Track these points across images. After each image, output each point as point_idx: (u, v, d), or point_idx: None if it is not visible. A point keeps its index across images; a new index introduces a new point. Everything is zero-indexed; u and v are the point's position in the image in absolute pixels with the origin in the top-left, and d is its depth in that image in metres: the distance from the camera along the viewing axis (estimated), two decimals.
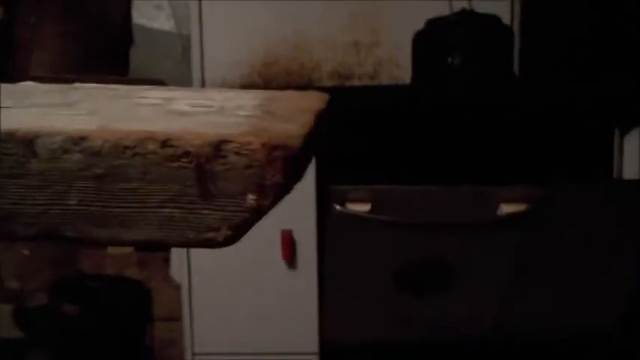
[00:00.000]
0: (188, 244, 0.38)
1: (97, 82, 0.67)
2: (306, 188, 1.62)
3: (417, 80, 1.66)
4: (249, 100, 0.53)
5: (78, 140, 0.38)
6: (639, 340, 1.56)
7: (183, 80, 1.89)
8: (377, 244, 1.45)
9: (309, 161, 0.43)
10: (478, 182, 1.48)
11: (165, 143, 0.38)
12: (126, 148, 0.37)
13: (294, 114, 0.46)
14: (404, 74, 1.75)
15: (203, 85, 1.74)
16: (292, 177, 0.39)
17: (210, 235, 0.38)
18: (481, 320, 1.56)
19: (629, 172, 1.60)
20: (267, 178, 0.38)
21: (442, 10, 1.66)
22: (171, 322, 2.01)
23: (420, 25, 1.61)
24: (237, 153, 0.37)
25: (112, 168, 0.38)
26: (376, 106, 1.63)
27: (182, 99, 0.53)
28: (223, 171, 0.38)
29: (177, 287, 1.87)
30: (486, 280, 1.52)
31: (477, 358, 1.63)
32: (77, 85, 0.65)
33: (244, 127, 0.40)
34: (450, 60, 1.62)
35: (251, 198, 0.38)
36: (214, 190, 0.38)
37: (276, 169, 0.37)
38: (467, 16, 1.60)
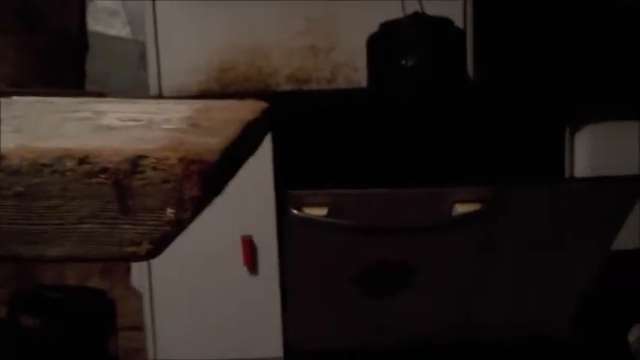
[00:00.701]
0: (110, 259, 0.39)
1: (36, 95, 0.67)
2: (265, 193, 1.63)
3: (373, 83, 1.68)
4: (180, 112, 0.54)
5: None
6: (589, 341, 1.60)
7: (141, 87, 1.89)
8: (336, 248, 1.46)
9: (233, 173, 0.44)
10: (434, 184, 1.50)
11: (83, 160, 0.38)
12: (44, 165, 0.38)
13: (219, 126, 0.47)
14: (360, 77, 1.77)
15: (160, 92, 1.74)
16: (211, 190, 0.40)
17: (132, 249, 0.39)
18: (442, 322, 1.58)
19: (580, 170, 1.64)
20: (185, 192, 0.38)
21: (396, 13, 1.68)
22: (135, 331, 2.00)
23: (374, 28, 1.63)
24: (154, 168, 0.38)
25: (31, 186, 0.38)
26: (333, 109, 1.65)
27: (113, 112, 0.54)
28: (141, 186, 0.38)
29: (139, 296, 1.86)
30: (445, 282, 1.54)
31: None
32: (15, 99, 0.65)
33: (163, 141, 0.41)
34: (403, 62, 1.64)
35: (170, 212, 0.39)
36: (134, 205, 0.38)
37: (194, 182, 0.38)
38: (419, 18, 1.63)
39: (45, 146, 0.39)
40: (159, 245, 0.39)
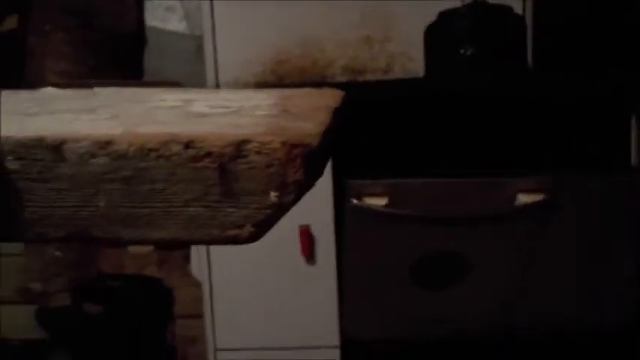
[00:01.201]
0: (213, 242, 0.40)
1: (116, 87, 0.68)
2: (323, 183, 1.62)
3: (430, 73, 1.67)
4: (265, 99, 0.54)
5: (104, 145, 0.39)
6: None
7: (198, 81, 1.91)
8: (394, 238, 1.46)
9: (328, 158, 0.44)
10: (494, 174, 1.48)
11: (188, 145, 0.39)
12: (150, 150, 0.39)
13: (310, 112, 0.47)
14: (417, 67, 1.75)
15: (217, 85, 1.75)
16: (312, 173, 0.40)
17: (234, 232, 0.40)
18: (496, 314, 1.56)
19: None
20: (288, 175, 0.39)
21: (453, 2, 1.65)
22: (192, 319, 2.03)
23: (431, 18, 1.61)
24: (258, 152, 0.39)
25: (137, 170, 0.39)
26: (390, 99, 1.64)
27: (200, 101, 0.54)
28: (245, 170, 0.39)
29: (197, 285, 1.89)
30: (502, 273, 1.52)
31: (491, 353, 1.63)
32: (97, 90, 0.67)
33: (263, 126, 0.41)
34: (462, 52, 1.62)
35: (273, 195, 0.39)
36: (237, 188, 0.39)
37: (297, 166, 0.39)
38: (479, 7, 1.60)
39: (151, 131, 0.39)
40: (261, 228, 0.39)
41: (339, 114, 0.52)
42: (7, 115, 0.48)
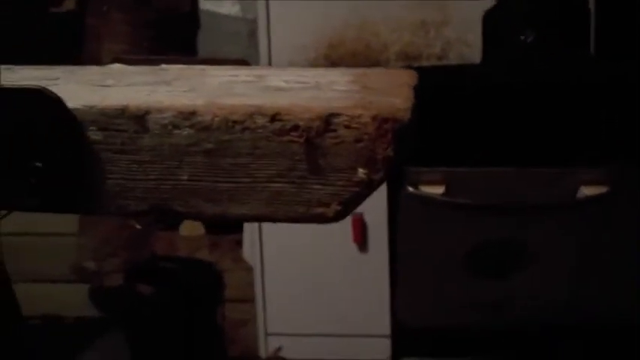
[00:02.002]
0: (297, 220, 0.38)
1: (183, 63, 0.67)
2: None
3: (488, 60, 1.62)
4: (341, 76, 0.52)
5: (188, 115, 0.38)
6: None
7: (251, 64, 1.90)
8: (450, 226, 1.43)
9: (415, 136, 0.42)
10: (555, 164, 1.44)
11: (274, 117, 0.37)
12: (235, 122, 0.37)
13: (392, 89, 0.45)
14: (473, 54, 1.71)
15: None
16: (401, 151, 0.38)
17: (319, 210, 0.38)
18: (552, 305, 1.52)
19: None
20: (378, 151, 0.37)
21: None
22: (241, 303, 2.04)
23: (489, 2, 1.57)
24: (347, 126, 0.37)
25: (221, 143, 0.38)
26: (447, 86, 1.60)
27: (273, 76, 0.53)
28: (333, 145, 0.37)
29: (248, 269, 1.90)
30: (559, 264, 1.48)
31: (545, 343, 1.60)
32: (164, 66, 0.66)
33: (350, 100, 0.39)
34: (522, 38, 1.57)
35: (362, 172, 0.37)
36: (324, 164, 0.37)
37: (387, 142, 0.37)
38: None
39: (235, 103, 0.38)
40: (347, 207, 0.38)
41: (418, 93, 0.50)
42: (83, 85, 0.48)
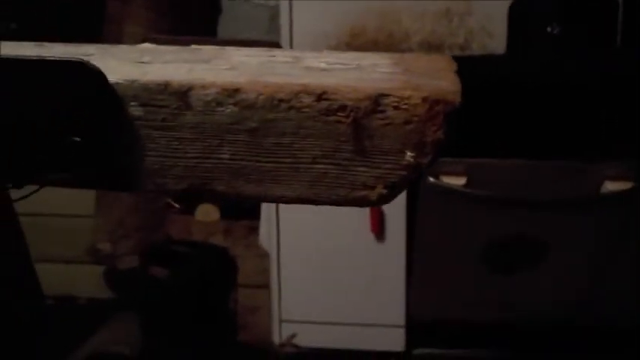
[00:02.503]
0: (339, 203, 0.37)
1: (213, 44, 0.66)
2: None
3: (513, 50, 1.60)
4: (380, 59, 0.51)
5: (232, 93, 0.37)
6: None
7: None
8: (470, 219, 1.42)
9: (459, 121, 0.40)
10: (579, 158, 1.42)
11: (321, 96, 0.36)
12: (280, 101, 0.36)
13: (435, 72, 0.44)
14: (496, 44, 1.69)
15: None
16: (450, 135, 0.37)
17: (364, 193, 0.37)
18: (571, 302, 1.51)
19: None
20: (428, 134, 0.36)
21: None
22: (254, 289, 2.04)
23: None
24: (396, 107, 0.36)
25: (265, 121, 0.37)
26: (471, 77, 1.59)
27: (311, 58, 0.52)
28: (381, 126, 0.36)
29: (262, 256, 1.89)
30: (580, 261, 1.47)
31: (562, 341, 1.58)
32: (195, 47, 0.65)
33: (397, 82, 0.38)
34: (548, 30, 1.55)
35: (409, 155, 0.36)
36: (370, 146, 0.36)
37: (438, 124, 0.36)
38: None
39: (281, 81, 0.37)
40: (393, 190, 0.37)
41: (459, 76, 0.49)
42: (120, 61, 0.47)
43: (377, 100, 0.36)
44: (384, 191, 0.37)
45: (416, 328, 1.61)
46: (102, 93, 0.37)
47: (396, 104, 0.36)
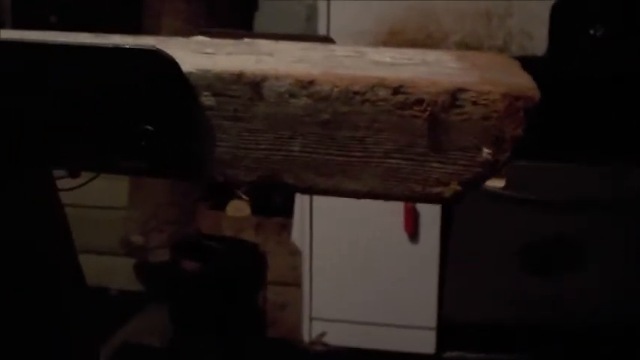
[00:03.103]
0: (411, 199, 0.37)
1: (265, 38, 0.66)
2: None
3: (554, 52, 1.58)
4: (442, 55, 0.51)
5: (306, 84, 0.36)
6: None
7: None
8: (506, 221, 1.40)
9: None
10: (619, 160, 1.39)
11: (397, 90, 0.36)
12: (355, 93, 0.36)
13: (503, 69, 0.43)
14: (535, 46, 1.67)
15: None
16: (528, 132, 0.36)
17: (437, 189, 0.36)
18: (607, 305, 1.48)
19: None
20: (507, 130, 0.35)
21: None
22: (283, 286, 2.04)
23: None
24: (475, 103, 0.35)
25: (339, 114, 0.36)
26: None
27: (373, 53, 0.51)
28: (459, 121, 0.35)
29: (292, 253, 1.89)
30: (617, 263, 1.44)
31: (598, 345, 1.56)
32: (248, 40, 0.65)
33: (473, 77, 0.37)
34: (591, 32, 1.53)
35: (486, 152, 0.35)
36: (446, 141, 0.36)
37: (518, 121, 0.35)
38: None
39: (357, 74, 0.37)
40: (467, 188, 0.36)
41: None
42: (185, 52, 0.47)
43: (455, 95, 0.35)
44: (459, 188, 0.36)
45: (447, 330, 1.59)
46: (175, 82, 0.37)
47: (474, 99, 0.35)
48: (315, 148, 0.37)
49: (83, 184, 0.71)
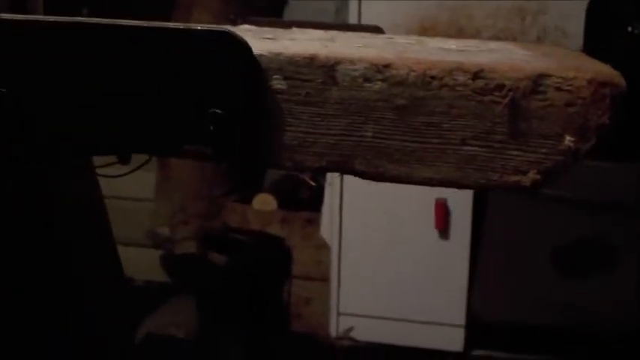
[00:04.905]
0: (488, 187, 0.36)
1: (312, 27, 0.65)
2: None
3: (590, 50, 1.56)
4: (507, 45, 0.50)
5: (382, 68, 0.35)
6: None
7: None
8: (538, 220, 1.38)
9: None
10: None
11: (477, 75, 0.35)
12: (433, 78, 0.35)
13: (577, 57, 0.42)
14: (570, 43, 1.65)
15: None
16: (615, 121, 0.35)
17: (515, 178, 0.35)
18: (636, 312, 1.46)
19: None
20: (592, 118, 0.34)
21: None
22: (309, 281, 2.04)
23: None
24: (558, 89, 0.34)
25: (415, 99, 0.35)
26: None
27: (431, 41, 0.50)
28: (540, 108, 0.34)
29: (318, 247, 1.89)
30: None
31: (626, 351, 1.53)
32: (295, 29, 0.64)
33: (554, 63, 0.36)
34: (629, 29, 1.50)
35: (569, 140, 0.34)
36: (526, 128, 0.35)
37: (604, 108, 0.34)
38: None
39: (434, 59, 0.36)
40: (548, 177, 0.35)
41: None
42: (245, 36, 0.46)
43: (537, 81, 0.34)
44: (538, 177, 0.35)
45: (476, 328, 1.58)
46: (246, 64, 0.36)
47: (558, 85, 0.34)
48: (388, 134, 0.36)
49: (128, 173, 0.71)
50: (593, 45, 1.55)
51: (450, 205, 1.56)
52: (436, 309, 1.60)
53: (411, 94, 0.35)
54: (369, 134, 0.36)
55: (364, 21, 1.75)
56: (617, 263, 1.42)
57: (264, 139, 0.37)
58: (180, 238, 2.08)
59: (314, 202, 1.97)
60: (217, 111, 0.37)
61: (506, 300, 1.52)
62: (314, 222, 1.97)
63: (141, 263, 2.22)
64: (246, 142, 0.37)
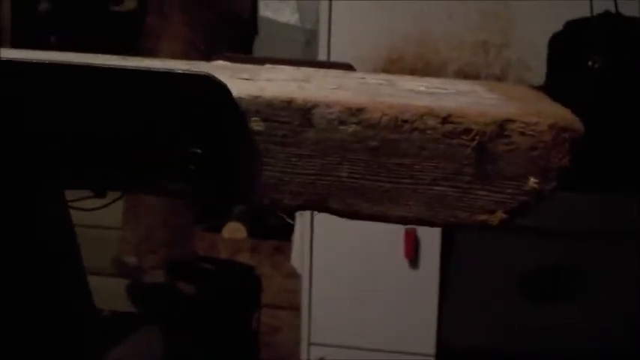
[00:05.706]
0: (457, 225, 0.38)
1: (285, 64, 0.67)
2: None
3: (552, 84, 1.61)
4: (471, 85, 0.52)
5: (356, 112, 0.37)
6: None
7: None
8: (506, 247, 1.41)
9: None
10: (617, 191, 1.41)
11: (446, 120, 0.37)
12: (404, 122, 0.37)
13: (538, 100, 0.45)
14: (532, 77, 1.70)
15: None
16: (574, 163, 0.37)
17: (483, 217, 0.37)
18: (606, 335, 1.49)
19: None
20: (554, 160, 0.36)
21: (581, 11, 1.59)
22: (278, 309, 2.04)
23: (553, 26, 1.56)
24: (522, 133, 0.36)
25: (387, 141, 0.37)
26: None
27: (402, 82, 0.52)
28: (506, 151, 0.36)
29: (288, 276, 1.89)
30: (616, 292, 1.45)
31: None
32: (269, 66, 0.66)
33: (516, 108, 0.39)
34: (590, 64, 1.56)
35: (533, 181, 0.36)
36: (492, 170, 0.36)
37: (564, 151, 0.36)
38: (612, 18, 1.54)
39: (405, 103, 0.38)
40: (513, 215, 0.37)
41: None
42: (224, 77, 0.47)
43: (503, 125, 0.36)
44: (504, 216, 0.37)
45: (446, 356, 1.59)
46: (226, 107, 0.38)
47: (522, 130, 0.36)
48: (362, 174, 0.38)
49: (105, 206, 0.71)
50: (555, 79, 1.60)
51: (419, 234, 1.59)
52: (406, 338, 1.62)
53: (384, 137, 0.37)
54: (345, 174, 0.38)
55: (333, 52, 1.78)
56: (583, 288, 1.45)
57: (243, 179, 0.39)
58: (147, 267, 2.06)
59: (284, 230, 1.98)
60: (198, 151, 0.38)
61: (475, 327, 1.54)
62: (284, 250, 1.98)
63: (107, 293, 2.19)
64: (225, 182, 0.38)
